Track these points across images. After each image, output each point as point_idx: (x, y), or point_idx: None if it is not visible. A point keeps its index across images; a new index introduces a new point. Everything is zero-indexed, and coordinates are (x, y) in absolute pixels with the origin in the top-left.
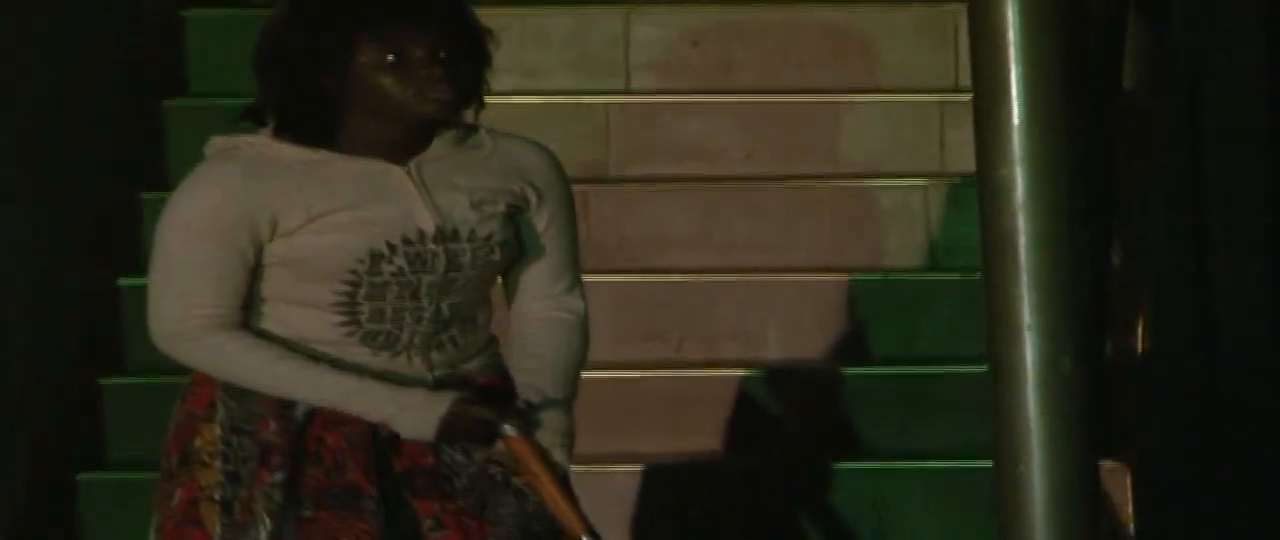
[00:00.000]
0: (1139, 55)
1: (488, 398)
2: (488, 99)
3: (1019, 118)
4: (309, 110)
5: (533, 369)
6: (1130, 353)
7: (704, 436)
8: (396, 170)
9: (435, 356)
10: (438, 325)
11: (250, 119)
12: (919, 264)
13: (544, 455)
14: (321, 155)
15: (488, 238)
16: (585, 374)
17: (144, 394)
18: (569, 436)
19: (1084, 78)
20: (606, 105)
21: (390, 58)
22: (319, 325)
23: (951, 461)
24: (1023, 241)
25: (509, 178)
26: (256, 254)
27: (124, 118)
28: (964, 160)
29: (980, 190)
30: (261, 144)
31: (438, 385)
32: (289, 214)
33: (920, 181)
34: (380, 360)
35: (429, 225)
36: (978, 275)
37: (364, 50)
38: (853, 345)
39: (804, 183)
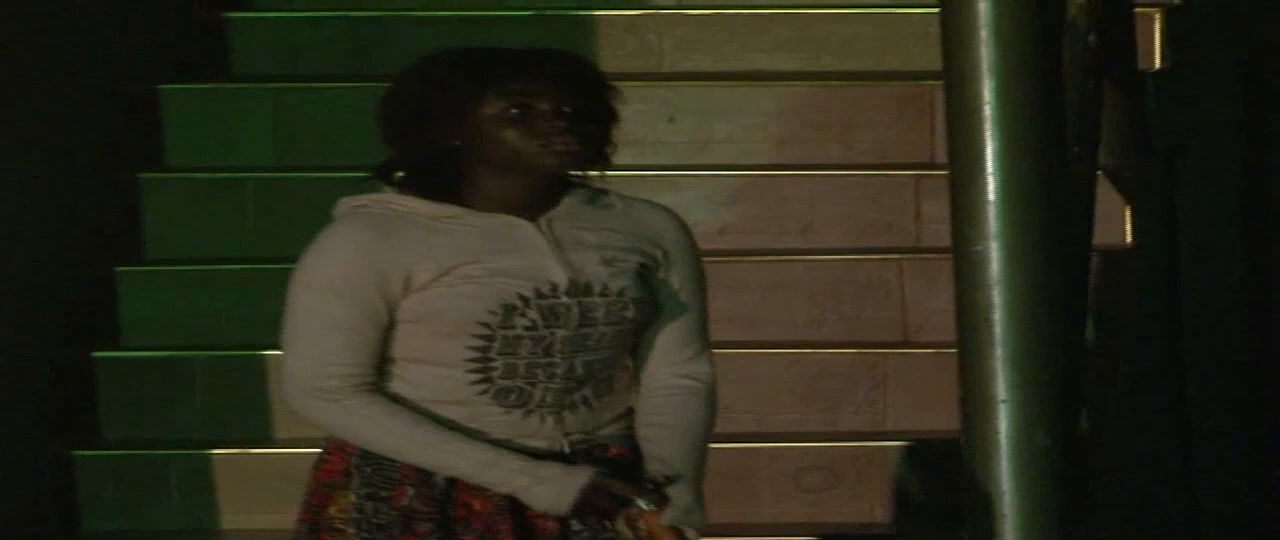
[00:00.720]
0: (1116, 130)
1: (620, 472)
2: None
3: (995, 193)
4: (435, 165)
5: (658, 438)
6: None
7: None
8: (526, 225)
9: (568, 418)
10: (571, 383)
11: (378, 178)
12: (894, 338)
13: (677, 533)
14: (451, 210)
15: (620, 292)
16: None
17: (118, 466)
18: (700, 513)
19: (1060, 154)
20: (584, 179)
21: (515, 111)
22: (451, 384)
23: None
24: (998, 315)
25: (639, 238)
26: (389, 312)
27: (100, 191)
28: (940, 235)
29: (956, 264)
30: (389, 201)
31: (571, 452)
32: (420, 268)
33: (895, 256)
34: (512, 419)
35: (561, 278)
36: (953, 350)
37: (489, 104)
38: (828, 419)
39: (780, 258)
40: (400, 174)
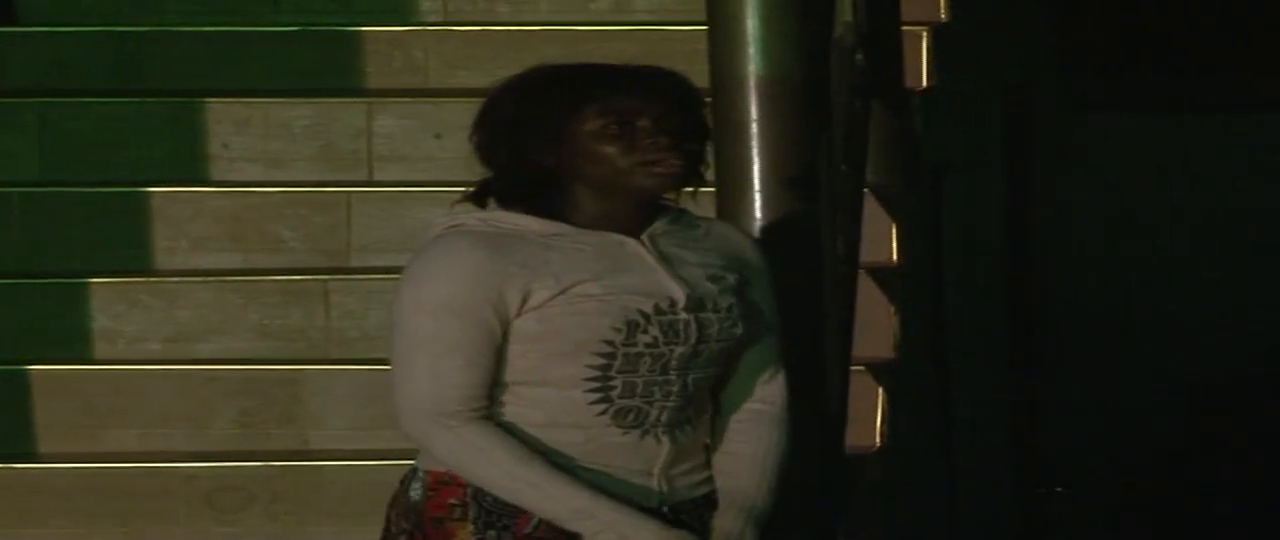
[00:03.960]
0: (883, 148)
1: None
2: (233, 190)
3: (761, 210)
4: (533, 183)
5: (731, 468)
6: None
7: None
8: (632, 242)
9: (680, 437)
10: (684, 400)
11: (472, 200)
12: None
13: None
14: (558, 227)
15: (730, 309)
16: (328, 462)
17: None
18: None
19: (827, 171)
20: (348, 195)
21: (615, 128)
22: (569, 406)
23: None
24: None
25: (728, 257)
26: (503, 332)
27: None
28: None
29: None
30: (495, 218)
31: (670, 510)
32: (540, 286)
33: None
34: (629, 440)
35: (679, 294)
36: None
37: (589, 120)
38: None
39: None
40: (499, 190)
